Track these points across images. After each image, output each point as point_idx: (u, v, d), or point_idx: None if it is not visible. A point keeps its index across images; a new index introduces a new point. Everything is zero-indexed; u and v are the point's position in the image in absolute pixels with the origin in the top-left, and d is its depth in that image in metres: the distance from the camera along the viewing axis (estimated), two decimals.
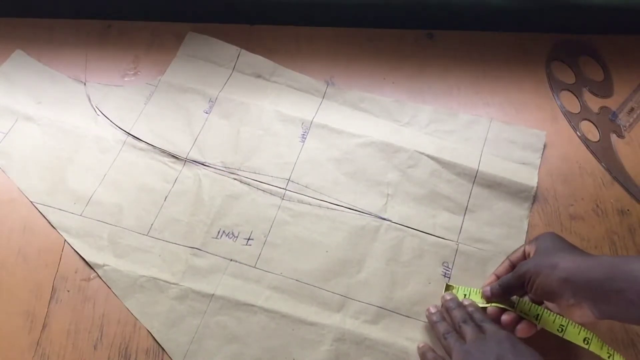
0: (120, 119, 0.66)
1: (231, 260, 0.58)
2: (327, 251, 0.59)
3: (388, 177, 0.63)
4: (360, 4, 0.75)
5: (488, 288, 0.53)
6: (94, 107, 0.66)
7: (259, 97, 0.68)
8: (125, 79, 0.69)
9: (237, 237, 0.59)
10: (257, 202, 0.61)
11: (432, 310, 0.55)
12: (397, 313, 0.56)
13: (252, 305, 0.55)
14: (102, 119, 0.65)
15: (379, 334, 0.54)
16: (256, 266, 0.58)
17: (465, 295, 0.56)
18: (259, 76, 0.70)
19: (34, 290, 0.56)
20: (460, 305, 0.54)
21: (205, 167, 0.63)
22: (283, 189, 0.62)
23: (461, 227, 0.61)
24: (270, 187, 0.62)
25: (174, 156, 0.63)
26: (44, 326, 0.54)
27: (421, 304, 0.56)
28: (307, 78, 0.69)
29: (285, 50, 0.72)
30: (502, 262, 0.55)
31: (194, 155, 0.64)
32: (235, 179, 0.62)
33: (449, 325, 0.52)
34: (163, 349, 0.53)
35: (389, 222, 0.60)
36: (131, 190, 0.61)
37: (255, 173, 0.63)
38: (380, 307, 0.56)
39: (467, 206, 0.62)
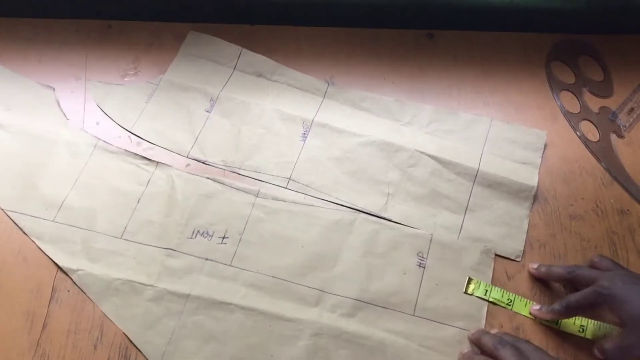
0: (122, 118, 0.66)
1: (207, 259, 0.57)
2: (302, 246, 0.59)
3: (389, 176, 0.63)
4: (360, 4, 0.75)
5: (556, 307, 0.53)
6: (63, 112, 0.65)
7: (260, 96, 0.68)
8: (126, 79, 0.69)
9: (212, 236, 0.59)
10: (231, 201, 0.61)
11: (465, 350, 0.53)
12: (373, 305, 0.56)
13: (229, 304, 0.55)
14: (73, 123, 0.65)
15: (356, 327, 0.54)
16: (232, 264, 0.57)
17: (486, 290, 0.57)
18: (260, 75, 0.69)
19: (34, 290, 0.55)
20: (487, 332, 0.53)
21: (177, 168, 0.62)
22: (282, 185, 0.62)
23: (461, 226, 0.61)
24: (245, 185, 0.62)
25: (145, 158, 0.63)
26: (44, 326, 0.54)
27: (397, 295, 0.56)
28: (308, 77, 0.69)
29: (285, 50, 0.72)
30: (560, 309, 0.53)
31: (195, 154, 0.64)
32: (208, 178, 0.62)
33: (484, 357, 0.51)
34: (140, 350, 0.53)
35: (363, 215, 0.60)
36: (103, 193, 0.61)
37: (256, 172, 0.63)
38: (357, 300, 0.56)
39: (467, 205, 0.62)
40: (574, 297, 0.52)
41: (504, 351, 0.49)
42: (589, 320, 0.54)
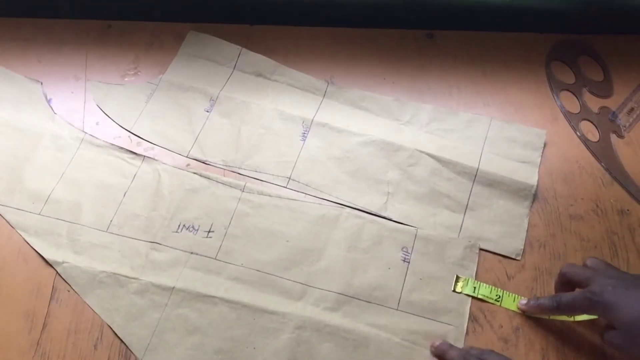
0: (122, 118, 0.66)
1: (192, 253, 0.58)
2: (287, 241, 0.59)
3: (388, 175, 0.63)
4: (360, 4, 0.75)
5: (546, 302, 0.53)
6: (51, 106, 0.66)
7: (260, 95, 0.68)
8: (126, 79, 0.69)
9: (197, 230, 0.59)
10: (217, 195, 0.61)
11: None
12: (357, 299, 0.56)
13: (213, 297, 0.55)
14: (59, 117, 0.65)
15: (339, 320, 0.55)
16: (217, 258, 0.58)
17: (475, 287, 0.57)
18: (259, 75, 0.70)
19: (34, 290, 0.55)
20: (452, 346, 0.53)
21: (164, 162, 0.63)
22: (282, 184, 0.62)
23: (461, 225, 0.61)
24: (230, 180, 0.62)
25: (132, 152, 0.63)
26: (44, 326, 0.54)
27: (381, 289, 0.57)
28: (307, 77, 0.69)
29: (285, 51, 0.72)
30: (550, 303, 0.53)
31: (195, 153, 0.64)
32: (195, 173, 0.62)
33: None
34: (124, 343, 0.53)
35: (348, 210, 0.61)
36: (90, 187, 0.61)
37: (256, 171, 0.63)
38: (341, 294, 0.56)
39: (467, 204, 0.62)
40: (565, 297, 0.52)
41: None
42: None
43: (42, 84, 0.67)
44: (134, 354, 0.53)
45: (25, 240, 0.58)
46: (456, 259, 0.58)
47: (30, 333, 0.53)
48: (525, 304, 0.55)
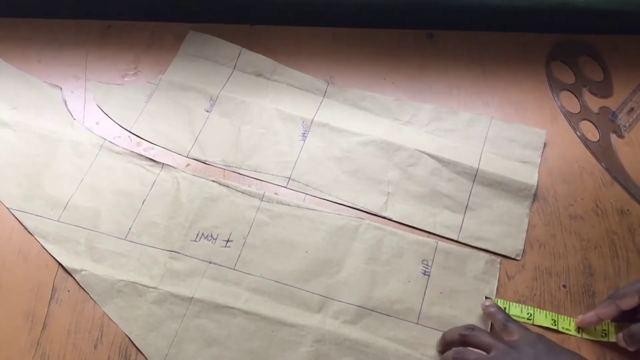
0: (122, 118, 0.66)
1: (210, 262, 0.57)
2: (306, 252, 0.58)
3: (388, 175, 0.63)
4: (360, 4, 0.75)
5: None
6: (70, 111, 0.66)
7: (260, 95, 0.68)
8: (126, 79, 0.69)
9: (216, 239, 0.59)
10: (236, 204, 0.61)
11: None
12: (377, 312, 0.56)
13: (232, 308, 0.55)
14: (79, 123, 0.65)
15: (359, 334, 0.54)
16: (235, 268, 0.57)
17: (505, 308, 0.56)
18: (259, 75, 0.70)
19: (34, 290, 0.55)
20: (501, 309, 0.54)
21: (183, 170, 0.62)
22: (282, 184, 0.62)
23: (461, 225, 0.61)
24: (250, 188, 0.62)
25: (151, 159, 0.63)
26: (44, 326, 0.54)
27: (401, 303, 0.56)
28: (307, 77, 0.69)
29: (285, 51, 0.72)
30: (605, 303, 0.54)
31: (195, 153, 0.64)
32: (213, 181, 0.62)
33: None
34: (142, 352, 0.53)
35: (368, 222, 0.60)
36: (108, 194, 0.61)
37: (256, 171, 0.63)
38: (360, 307, 0.56)
39: (467, 204, 0.62)
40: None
41: (513, 325, 0.51)
42: (610, 323, 0.54)
43: (61, 89, 0.67)
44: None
45: (43, 247, 0.57)
46: (477, 273, 0.58)
47: (30, 333, 0.53)
48: (582, 319, 0.54)
